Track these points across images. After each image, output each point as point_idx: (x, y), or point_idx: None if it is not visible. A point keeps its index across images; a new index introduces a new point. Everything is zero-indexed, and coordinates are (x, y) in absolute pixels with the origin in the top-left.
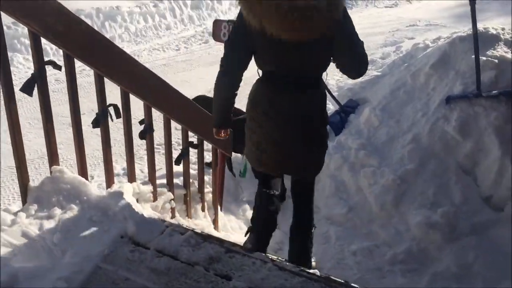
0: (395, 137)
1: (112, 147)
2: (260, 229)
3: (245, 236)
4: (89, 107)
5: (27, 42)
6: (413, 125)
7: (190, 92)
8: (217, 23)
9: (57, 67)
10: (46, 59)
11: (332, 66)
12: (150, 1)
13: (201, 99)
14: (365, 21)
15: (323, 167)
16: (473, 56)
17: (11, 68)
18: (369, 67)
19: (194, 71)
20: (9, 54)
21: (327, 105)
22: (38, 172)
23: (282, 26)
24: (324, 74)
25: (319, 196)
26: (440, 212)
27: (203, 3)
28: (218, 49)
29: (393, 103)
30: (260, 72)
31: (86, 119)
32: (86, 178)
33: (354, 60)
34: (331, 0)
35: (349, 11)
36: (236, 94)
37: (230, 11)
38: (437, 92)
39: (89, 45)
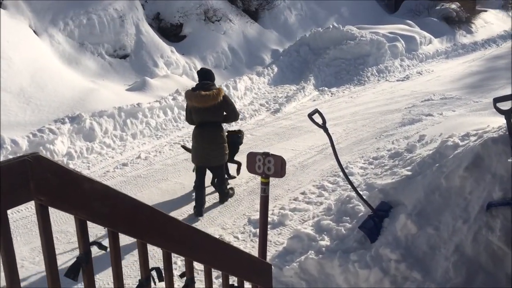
0: (436, 247)
1: None
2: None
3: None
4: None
5: None
6: (454, 233)
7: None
8: (251, 155)
9: (102, 247)
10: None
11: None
12: (169, 95)
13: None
14: (380, 97)
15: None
16: (510, 160)
17: None
18: (397, 163)
19: None
20: None
21: (359, 207)
22: None
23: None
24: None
25: None
26: None
27: None
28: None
29: (429, 207)
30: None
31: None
32: None
33: (232, 116)
34: (216, 92)
35: (362, 88)
36: None
37: (245, 96)
38: (475, 196)
39: (133, 219)
